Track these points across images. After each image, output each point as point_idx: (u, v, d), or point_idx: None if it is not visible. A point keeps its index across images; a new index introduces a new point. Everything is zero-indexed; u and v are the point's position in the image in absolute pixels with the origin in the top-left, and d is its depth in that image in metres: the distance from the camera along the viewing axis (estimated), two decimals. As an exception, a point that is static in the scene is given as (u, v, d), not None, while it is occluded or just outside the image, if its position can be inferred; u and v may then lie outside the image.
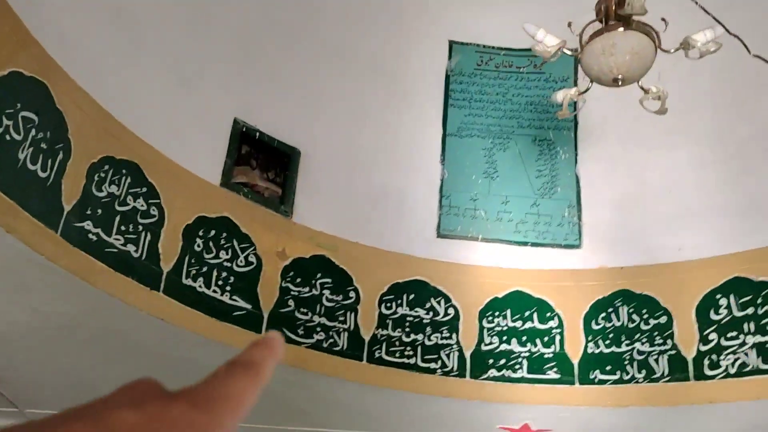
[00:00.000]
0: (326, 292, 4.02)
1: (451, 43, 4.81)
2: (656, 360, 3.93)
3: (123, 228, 3.32)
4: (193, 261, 3.60)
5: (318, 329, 3.92)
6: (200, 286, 3.58)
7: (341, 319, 4.00)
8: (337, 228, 4.18)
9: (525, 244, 4.39)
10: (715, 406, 3.80)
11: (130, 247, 3.33)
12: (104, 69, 3.49)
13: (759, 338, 3.73)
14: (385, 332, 4.06)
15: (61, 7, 3.31)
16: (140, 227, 3.40)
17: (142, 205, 3.44)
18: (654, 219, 4.28)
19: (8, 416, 4.56)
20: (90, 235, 3.14)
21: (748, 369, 3.72)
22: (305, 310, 3.92)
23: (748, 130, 4.13)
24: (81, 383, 4.17)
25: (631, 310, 4.08)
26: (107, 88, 3.43)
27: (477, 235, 4.40)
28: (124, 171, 3.39)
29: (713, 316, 3.88)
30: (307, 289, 3.97)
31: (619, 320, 4.08)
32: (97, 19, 3.51)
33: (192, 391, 0.40)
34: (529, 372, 4.05)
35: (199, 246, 3.65)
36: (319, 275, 4.04)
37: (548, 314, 4.16)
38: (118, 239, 3.28)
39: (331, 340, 3.93)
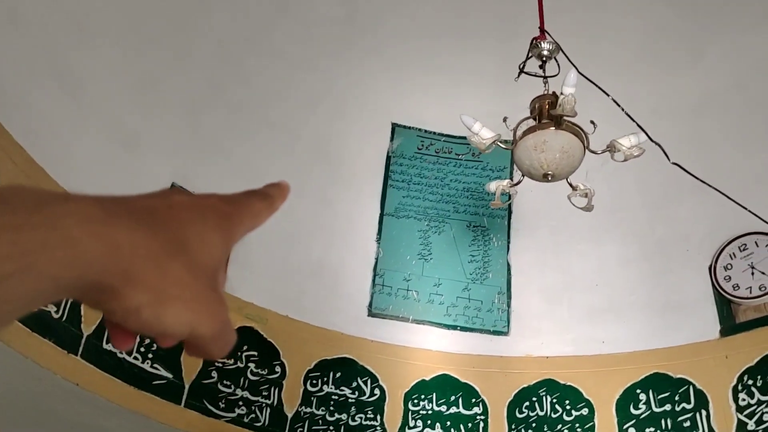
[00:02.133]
0: (251, 365, 3.95)
1: (394, 126, 4.93)
2: (576, 453, 3.95)
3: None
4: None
5: (240, 403, 3.82)
6: (120, 352, 3.47)
7: (265, 393, 3.92)
8: (268, 300, 4.15)
9: (455, 327, 4.42)
10: (631, 502, 3.82)
11: (51, 307, 3.22)
12: (43, 126, 3.45)
13: (675, 435, 3.81)
14: (308, 410, 3.98)
15: (5, 62, 3.29)
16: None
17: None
18: (580, 311, 4.38)
19: None
20: (9, 293, 3.03)
21: (664, 466, 3.77)
22: (228, 383, 3.83)
23: (667, 231, 4.32)
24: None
25: (554, 400, 4.12)
26: (44, 146, 3.39)
27: (408, 316, 4.42)
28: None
29: (633, 411, 3.95)
30: (232, 361, 3.89)
31: (542, 410, 4.11)
32: (40, 77, 3.49)
33: (224, 196, 0.50)
34: (452, 459, 4.02)
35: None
36: (245, 347, 3.98)
37: (474, 400, 4.16)
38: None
39: (253, 416, 3.84)
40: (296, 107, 4.67)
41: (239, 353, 3.93)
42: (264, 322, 4.07)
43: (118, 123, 3.89)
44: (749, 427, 3.63)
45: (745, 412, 3.67)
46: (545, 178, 2.69)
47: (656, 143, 2.88)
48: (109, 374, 3.40)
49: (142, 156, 3.97)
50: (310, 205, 4.55)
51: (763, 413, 3.62)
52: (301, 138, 4.66)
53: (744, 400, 3.71)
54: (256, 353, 3.98)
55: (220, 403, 3.75)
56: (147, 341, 3.60)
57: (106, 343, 3.43)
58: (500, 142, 2.79)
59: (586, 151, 2.71)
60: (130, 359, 3.51)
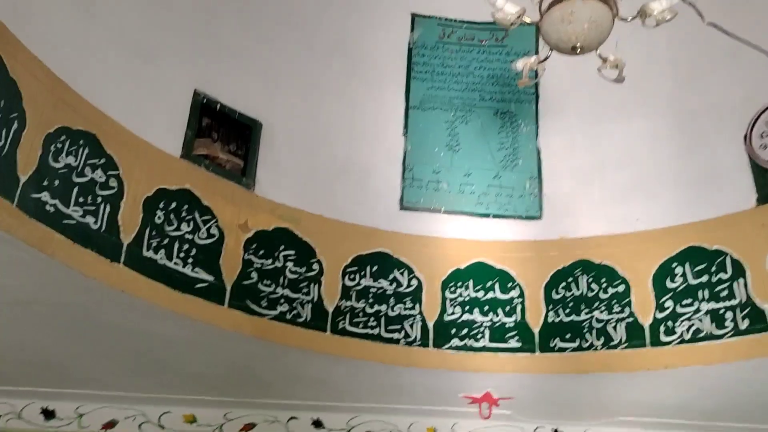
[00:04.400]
0: (289, 264, 4.02)
1: (414, 16, 4.81)
2: (614, 327, 4.02)
3: (81, 200, 3.26)
4: (153, 233, 3.56)
5: (281, 301, 3.91)
6: (161, 258, 3.55)
7: (305, 290, 4.00)
8: (300, 200, 4.17)
9: (487, 216, 4.43)
10: (671, 371, 3.90)
11: (89, 219, 3.28)
12: (61, 39, 3.41)
13: (713, 305, 3.83)
14: (348, 303, 4.07)
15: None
16: (99, 199, 3.35)
17: (101, 177, 3.39)
18: (612, 190, 4.35)
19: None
20: (47, 207, 3.08)
21: (702, 335, 3.82)
22: (268, 282, 3.91)
23: (700, 102, 4.21)
24: (39, 358, 4.12)
25: (590, 280, 4.16)
26: (63, 59, 3.36)
27: (439, 208, 4.43)
28: (81, 142, 3.33)
29: (669, 285, 3.98)
30: (270, 261, 3.96)
31: (578, 289, 4.15)
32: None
33: None
34: (491, 341, 4.11)
35: (159, 218, 3.61)
36: (282, 247, 4.03)
37: (509, 284, 4.22)
38: (77, 211, 3.22)
39: (295, 312, 3.93)
40: (312, 3, 4.55)
41: (276, 254, 3.99)
42: (297, 222, 4.11)
43: (135, 33, 3.83)
44: (787, 292, 3.64)
45: (784, 278, 3.67)
46: (574, 51, 2.61)
47: (690, 3, 2.76)
48: (153, 279, 3.48)
49: (161, 66, 3.93)
50: (333, 103, 4.51)
51: (801, 278, 3.62)
52: (319, 35, 4.57)
53: (782, 266, 3.70)
54: (293, 252, 4.04)
55: (262, 302, 3.85)
56: (186, 246, 3.67)
57: (147, 250, 3.50)
58: (526, 17, 2.69)
59: (616, 19, 2.61)
60: (171, 265, 3.58)
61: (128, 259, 3.41)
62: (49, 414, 4.61)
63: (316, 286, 4.04)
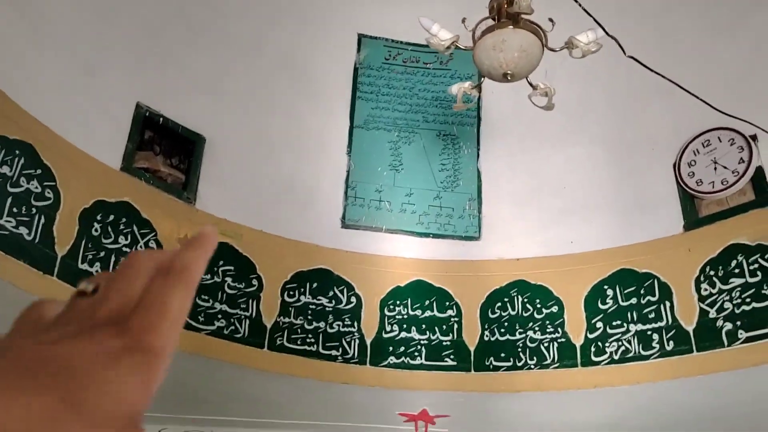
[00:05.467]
0: (228, 280, 4.02)
1: (360, 36, 4.88)
2: (547, 347, 4.12)
3: (15, 210, 3.23)
4: (90, 246, 3.54)
5: (219, 316, 3.91)
6: (97, 272, 3.52)
7: (243, 306, 4.01)
8: (242, 216, 4.19)
9: (427, 235, 4.51)
10: (601, 390, 4.01)
11: (23, 230, 3.24)
12: (1, 50, 3.38)
13: (640, 326, 3.97)
14: (287, 320, 4.09)
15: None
16: (33, 210, 3.32)
17: (36, 187, 3.36)
18: (548, 214, 4.47)
19: None
20: (-21, 217, 3.05)
21: (630, 355, 3.94)
22: (207, 297, 3.91)
23: (634, 132, 4.38)
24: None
25: (525, 300, 4.25)
26: (3, 70, 3.33)
27: (381, 226, 4.49)
28: (17, 152, 3.30)
29: (600, 306, 4.10)
30: (209, 276, 3.96)
31: (514, 310, 4.25)
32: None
33: (135, 317, 0.37)
34: (427, 359, 4.17)
35: (96, 230, 3.59)
36: (221, 263, 4.04)
37: (447, 303, 4.29)
38: (10, 221, 3.19)
39: (233, 327, 3.94)
40: (259, 22, 4.59)
41: (215, 268, 3.99)
42: (239, 238, 4.12)
43: (78, 46, 3.81)
44: (710, 315, 3.78)
45: (707, 302, 3.82)
46: (505, 77, 2.70)
47: (612, 37, 2.89)
48: (87, 293, 3.44)
49: (104, 79, 3.91)
50: (278, 121, 4.54)
51: (723, 302, 3.76)
52: (267, 53, 4.60)
53: (706, 290, 3.85)
54: (232, 268, 4.05)
55: (199, 317, 3.84)
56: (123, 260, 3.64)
57: (82, 263, 3.47)
58: (459, 43, 2.78)
59: (545, 49, 2.72)
60: (106, 278, 3.55)
61: (62, 271, 3.37)
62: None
63: (255, 302, 4.05)
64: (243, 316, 3.99)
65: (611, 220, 4.30)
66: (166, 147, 4.16)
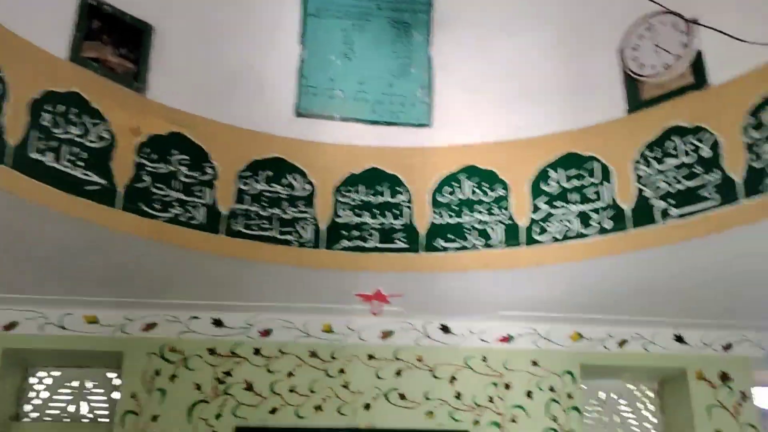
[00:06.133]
0: (183, 169, 4.11)
1: None
2: (493, 228, 4.31)
3: (-39, 101, 3.25)
4: (41, 136, 3.58)
5: (175, 204, 4.02)
6: (50, 161, 3.59)
7: (198, 194, 4.11)
8: (194, 106, 4.21)
9: (380, 123, 4.58)
10: (544, 268, 4.24)
11: (-29, 120, 3.27)
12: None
13: (581, 207, 4.16)
14: (243, 207, 4.22)
15: None
16: (-20, 100, 3.34)
17: (-18, 78, 3.37)
18: (499, 100, 4.54)
19: None
20: (-75, 107, 3.07)
21: (571, 234, 4.15)
22: (161, 186, 4.00)
23: (582, 15, 4.39)
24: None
25: (474, 185, 4.41)
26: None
27: (334, 115, 4.55)
28: (-41, 42, 3.29)
29: (544, 188, 4.27)
30: (163, 165, 4.04)
31: (463, 193, 4.40)
32: None
33: None
34: (380, 242, 4.35)
35: (47, 121, 3.63)
36: (175, 152, 4.11)
37: (399, 189, 4.43)
38: (-43, 112, 3.21)
39: (189, 215, 4.06)
40: None
41: (169, 158, 4.07)
42: (191, 127, 4.17)
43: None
44: (646, 194, 3.97)
45: (644, 182, 4.00)
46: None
47: None
48: (42, 182, 3.52)
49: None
50: (228, 8, 4.49)
51: (658, 181, 3.95)
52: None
53: (643, 171, 4.02)
54: (186, 157, 4.13)
55: (155, 205, 3.95)
56: (76, 150, 3.70)
57: (34, 152, 3.52)
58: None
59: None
60: (60, 167, 3.62)
61: (15, 161, 3.43)
62: (-53, 317, 4.67)
63: (210, 190, 4.16)
64: (199, 204, 4.10)
65: (558, 105, 4.40)
66: (115, 37, 4.12)
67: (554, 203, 4.23)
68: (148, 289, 4.63)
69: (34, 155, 3.52)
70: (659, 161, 3.98)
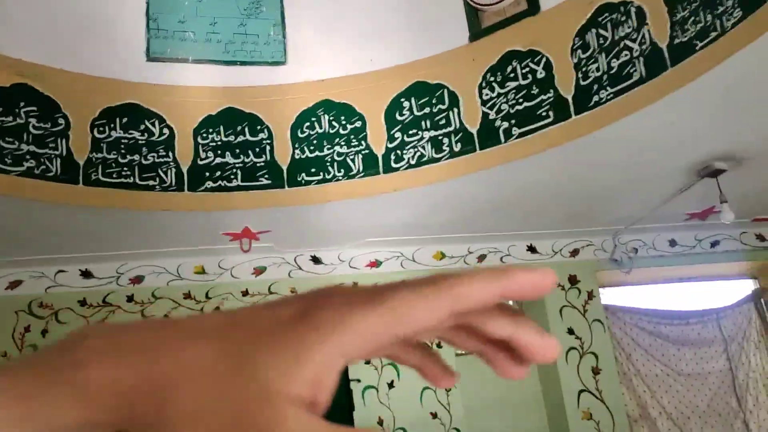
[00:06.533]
0: (32, 121, 4.01)
1: None
2: (353, 159, 4.49)
3: None
4: None
5: (28, 157, 3.94)
6: None
7: (52, 146, 4.04)
8: (39, 55, 4.10)
9: (234, 63, 4.62)
10: (402, 193, 4.49)
11: None
12: None
13: (433, 133, 4.41)
14: (99, 155, 4.18)
15: None
16: None
17: None
18: (350, 35, 4.67)
19: None
20: None
21: (425, 159, 4.41)
22: (11, 139, 3.91)
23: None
24: None
25: (331, 118, 4.56)
26: None
27: (187, 57, 4.54)
28: None
29: (398, 117, 4.48)
30: (10, 118, 3.93)
31: (321, 128, 4.55)
32: None
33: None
34: (243, 180, 4.44)
35: None
36: (22, 104, 4.00)
37: (259, 127, 4.51)
38: None
39: (44, 167, 3.99)
40: None
41: (17, 110, 3.96)
42: (39, 78, 4.06)
43: None
44: (490, 117, 4.26)
45: (488, 105, 4.29)
46: None
47: None
48: None
49: None
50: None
51: (501, 104, 4.24)
52: None
53: (487, 95, 4.30)
54: (35, 108, 4.03)
55: (6, 159, 3.86)
56: None
57: None
58: None
59: None
60: None
61: None
62: None
63: (64, 141, 4.09)
64: (53, 155, 4.03)
65: (406, 38, 4.58)
66: (-59, -15, 3.92)
67: (408, 131, 4.45)
68: (8, 247, 4.53)
69: None
70: (501, 85, 4.27)
